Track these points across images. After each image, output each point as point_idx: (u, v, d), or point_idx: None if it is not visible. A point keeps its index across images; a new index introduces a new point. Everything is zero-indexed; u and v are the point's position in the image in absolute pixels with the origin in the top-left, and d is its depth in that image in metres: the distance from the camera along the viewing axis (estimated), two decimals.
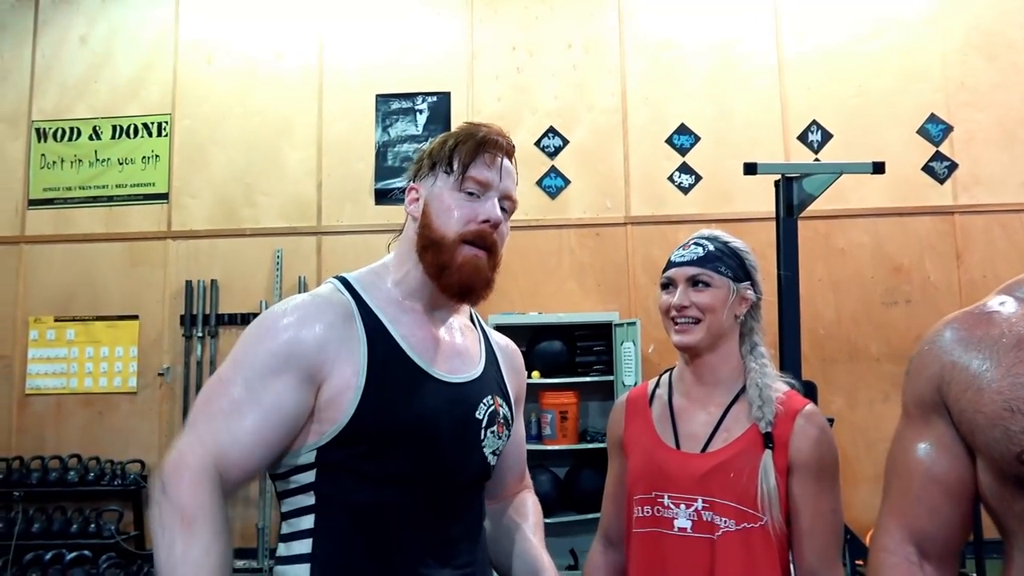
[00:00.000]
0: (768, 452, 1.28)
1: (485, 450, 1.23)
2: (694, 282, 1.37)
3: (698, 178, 4.89)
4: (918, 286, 4.74)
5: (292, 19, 5.15)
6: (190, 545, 0.99)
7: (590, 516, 4.26)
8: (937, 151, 4.84)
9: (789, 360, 3.13)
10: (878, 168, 3.35)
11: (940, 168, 4.82)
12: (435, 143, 1.27)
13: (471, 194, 1.21)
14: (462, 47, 5.07)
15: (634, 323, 4.33)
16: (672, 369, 1.48)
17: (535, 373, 4.46)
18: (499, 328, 5.03)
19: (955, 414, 0.97)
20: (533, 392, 4.52)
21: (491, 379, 1.28)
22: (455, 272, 1.19)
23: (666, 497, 1.32)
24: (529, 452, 5.15)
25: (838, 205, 4.72)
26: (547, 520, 5.09)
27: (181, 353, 4.91)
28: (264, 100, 5.10)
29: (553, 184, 4.94)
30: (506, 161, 1.25)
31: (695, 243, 1.42)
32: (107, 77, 5.19)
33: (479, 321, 1.38)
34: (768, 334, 4.11)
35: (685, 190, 4.89)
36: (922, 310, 4.69)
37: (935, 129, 4.85)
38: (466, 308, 1.34)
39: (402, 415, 1.13)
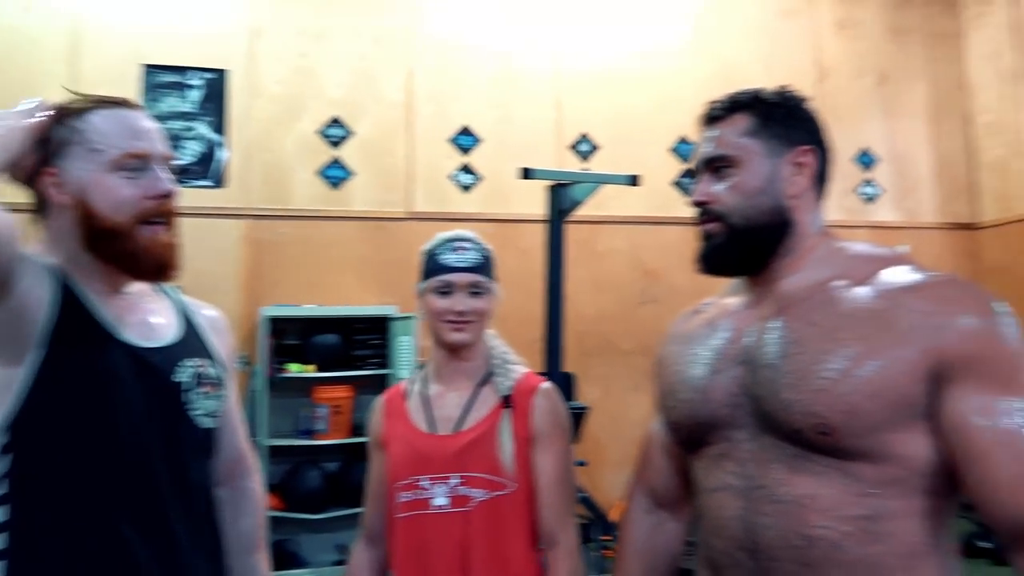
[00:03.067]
0: (506, 412, 1.42)
1: (194, 412, 1.19)
2: (473, 290, 1.46)
3: (479, 178, 5.07)
4: (665, 288, 5.30)
5: None
6: None
7: (360, 510, 4.26)
8: (687, 169, 5.44)
9: (553, 354, 3.37)
10: (633, 181, 3.72)
11: (687, 184, 5.43)
12: (63, 113, 1.17)
13: (134, 170, 1.14)
14: (243, 24, 4.82)
15: (411, 317, 4.39)
16: (425, 365, 1.58)
17: (310, 367, 4.37)
18: (275, 321, 4.81)
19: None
20: (306, 386, 4.43)
21: (193, 343, 1.25)
22: (144, 257, 1.15)
23: (424, 479, 1.41)
24: (300, 448, 4.97)
25: (601, 212, 5.14)
26: (315, 516, 4.94)
27: None
28: (4, 57, 4.48)
29: (336, 175, 4.86)
30: (152, 122, 1.20)
31: (465, 248, 1.49)
32: None
33: (169, 290, 1.33)
34: (534, 329, 4.36)
35: (466, 189, 5.05)
36: (668, 310, 5.19)
37: (684, 149, 5.45)
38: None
39: (84, 379, 1.09)
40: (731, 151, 1.12)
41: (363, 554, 1.57)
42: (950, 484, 0.95)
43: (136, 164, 1.14)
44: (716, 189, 1.12)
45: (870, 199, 5.89)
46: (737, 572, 1.03)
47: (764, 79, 1.19)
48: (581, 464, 3.83)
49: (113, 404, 1.10)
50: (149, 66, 4.62)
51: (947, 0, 6.26)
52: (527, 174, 3.50)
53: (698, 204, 1.15)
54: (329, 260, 4.79)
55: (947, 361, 0.92)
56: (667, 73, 5.47)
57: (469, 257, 1.47)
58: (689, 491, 1.21)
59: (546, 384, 1.50)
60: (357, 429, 4.55)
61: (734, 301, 1.17)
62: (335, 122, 4.88)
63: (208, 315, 1.35)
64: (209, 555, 1.23)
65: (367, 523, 1.58)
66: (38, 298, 1.07)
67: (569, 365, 4.58)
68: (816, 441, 0.95)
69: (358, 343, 4.57)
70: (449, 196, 5.01)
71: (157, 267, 1.17)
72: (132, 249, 1.13)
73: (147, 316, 1.21)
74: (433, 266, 1.49)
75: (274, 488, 4.33)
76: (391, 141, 4.97)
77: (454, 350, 1.48)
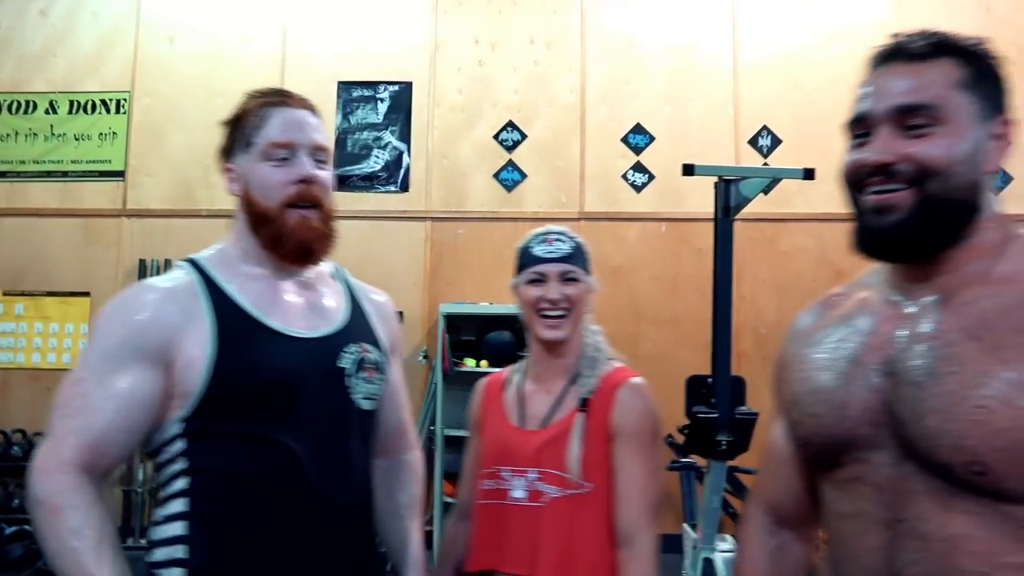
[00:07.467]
0: (580, 415, 1.40)
1: (355, 395, 1.25)
2: (565, 278, 1.46)
3: (651, 177, 4.99)
4: None
5: (256, 3, 5.15)
6: (59, 531, 1.04)
7: None
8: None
9: (720, 356, 3.23)
10: (808, 174, 3.43)
11: None
12: (231, 119, 1.28)
13: (281, 159, 1.22)
14: (426, 38, 5.11)
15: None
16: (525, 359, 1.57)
17: (483, 362, 4.53)
18: (450, 317, 5.02)
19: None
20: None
21: (357, 329, 1.30)
22: (289, 239, 1.22)
23: (506, 470, 1.43)
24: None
25: (784, 209, 4.85)
26: None
27: None
28: (226, 83, 5.07)
29: (510, 178, 5.01)
30: (307, 115, 1.27)
31: (557, 239, 1.49)
32: (66, 52, 5.15)
33: (343, 276, 1.39)
34: (703, 332, 4.13)
35: (638, 188, 4.99)
36: None
37: None
38: (327, 265, 1.36)
39: (257, 375, 1.16)
40: (940, 101, 0.89)
41: (454, 528, 1.60)
42: None
43: (284, 153, 1.22)
44: (913, 149, 0.90)
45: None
46: None
47: None
48: (751, 472, 3.64)
49: (279, 391, 1.17)
50: (344, 83, 5.04)
51: None
52: (689, 170, 3.37)
53: (884, 165, 0.91)
54: (504, 260, 4.90)
55: None
56: (862, 55, 5.02)
57: (560, 248, 1.47)
58: (818, 510, 1.07)
59: (634, 379, 1.45)
60: None
61: (875, 294, 0.99)
62: (509, 127, 5.03)
63: (376, 300, 1.41)
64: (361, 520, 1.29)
65: (460, 500, 1.61)
66: (198, 341, 1.16)
67: (747, 369, 4.36)
68: (968, 479, 0.82)
69: None
70: (621, 196, 4.98)
71: (301, 250, 1.23)
72: (279, 231, 1.21)
73: (315, 302, 1.28)
74: (526, 259, 1.49)
75: (449, 476, 4.54)
76: (564, 143, 5.03)
77: (549, 347, 1.47)
